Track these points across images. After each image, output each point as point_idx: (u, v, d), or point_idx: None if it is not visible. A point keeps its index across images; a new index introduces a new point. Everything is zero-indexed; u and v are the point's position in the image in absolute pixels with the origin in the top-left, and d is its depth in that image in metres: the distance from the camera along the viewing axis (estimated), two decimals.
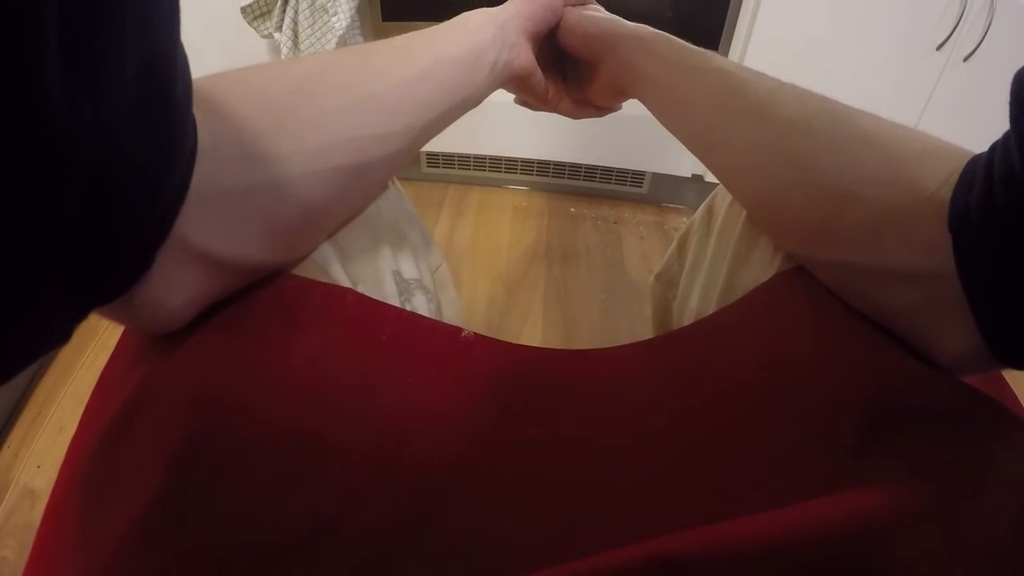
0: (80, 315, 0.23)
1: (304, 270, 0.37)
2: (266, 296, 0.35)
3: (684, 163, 1.50)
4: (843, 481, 0.29)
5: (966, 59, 1.21)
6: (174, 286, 0.29)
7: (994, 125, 0.29)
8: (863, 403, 0.32)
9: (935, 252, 0.30)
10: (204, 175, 0.27)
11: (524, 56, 0.49)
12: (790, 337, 0.38)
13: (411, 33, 0.42)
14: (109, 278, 0.24)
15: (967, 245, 0.29)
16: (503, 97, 0.58)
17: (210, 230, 0.29)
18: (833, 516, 0.26)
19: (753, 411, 0.35)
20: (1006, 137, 0.28)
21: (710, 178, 1.49)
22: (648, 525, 0.30)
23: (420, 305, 0.48)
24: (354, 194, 0.40)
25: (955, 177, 0.30)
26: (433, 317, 0.50)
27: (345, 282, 0.39)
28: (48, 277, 0.20)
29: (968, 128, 1.20)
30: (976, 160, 0.30)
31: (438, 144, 1.68)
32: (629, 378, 0.41)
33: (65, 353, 1.13)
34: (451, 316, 0.57)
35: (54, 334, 0.22)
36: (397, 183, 0.49)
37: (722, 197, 0.54)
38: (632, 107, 0.59)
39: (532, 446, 0.36)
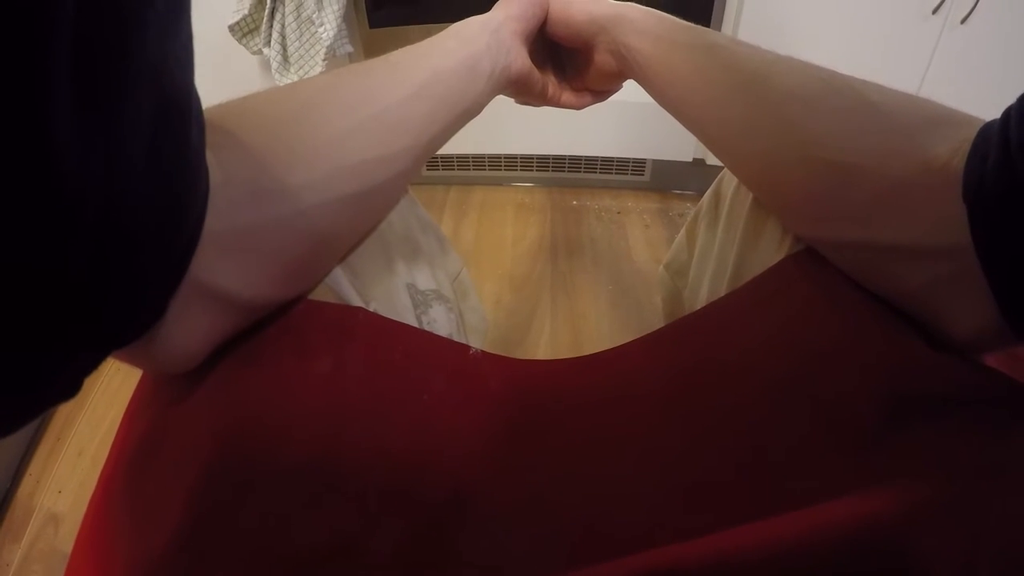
0: (91, 365, 0.23)
1: (315, 292, 0.37)
2: (277, 323, 0.34)
3: (685, 148, 1.49)
4: (860, 479, 0.28)
5: (963, 21, 1.19)
6: (187, 329, 0.29)
7: (997, 87, 0.28)
8: (878, 393, 0.31)
9: (949, 225, 0.29)
10: (216, 215, 0.26)
11: (520, 60, 0.48)
12: (801, 325, 0.37)
13: (406, 48, 0.41)
14: (122, 326, 0.24)
15: (983, 216, 0.28)
16: (500, 96, 0.57)
17: (222, 270, 0.29)
18: (844, 521, 0.25)
19: (765, 408, 0.34)
20: (1021, 101, 0.27)
21: (712, 161, 1.48)
22: (663, 535, 0.30)
23: (439, 315, 0.47)
24: (363, 218, 0.40)
25: (967, 146, 0.29)
26: (454, 326, 0.49)
27: (357, 301, 0.39)
28: (57, 327, 0.20)
29: (971, 92, 1.18)
30: (989, 127, 0.29)
31: None
32: (637, 381, 0.40)
33: None
34: (474, 323, 0.56)
35: (62, 387, 0.22)
36: (409, 191, 0.49)
37: (728, 180, 0.54)
38: (628, 94, 0.58)
39: (544, 461, 0.36)
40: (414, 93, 0.38)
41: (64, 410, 1.08)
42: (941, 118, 0.33)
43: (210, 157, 0.26)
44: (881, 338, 0.34)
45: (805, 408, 0.33)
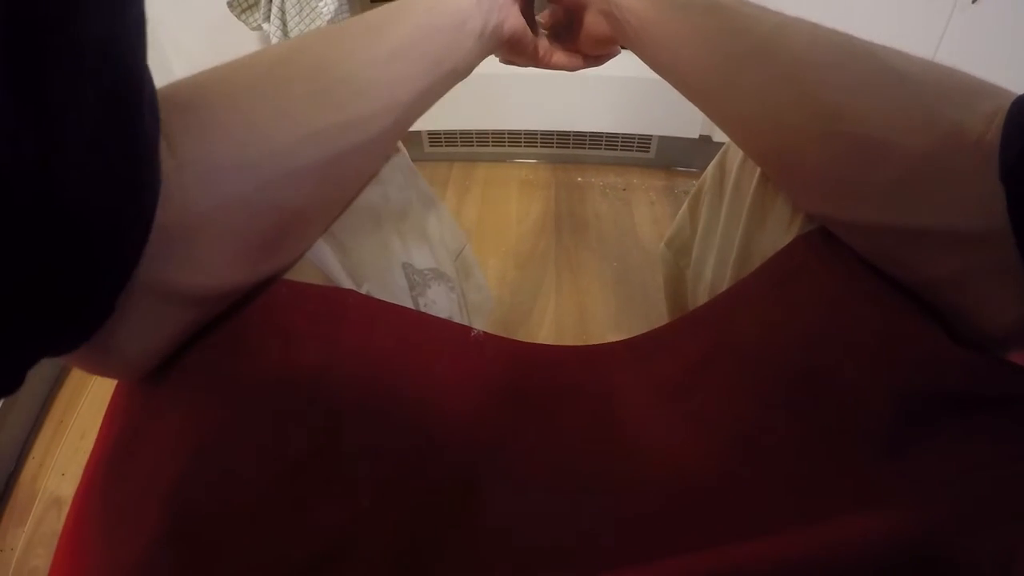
0: (31, 363, 0.21)
1: (299, 273, 0.35)
2: (259, 310, 0.32)
3: (692, 124, 1.46)
4: (881, 486, 0.27)
5: (975, 0, 1.15)
6: (141, 329, 0.27)
7: (1011, 69, 0.26)
8: (900, 393, 0.29)
9: (984, 207, 0.27)
10: (167, 203, 0.24)
11: (513, 18, 0.46)
12: (815, 315, 0.35)
13: (386, 5, 0.39)
14: (66, 327, 0.22)
15: None
16: (504, 70, 0.56)
17: (176, 262, 0.26)
18: (873, 531, 0.24)
19: (779, 406, 0.33)
20: None
21: (719, 137, 1.45)
22: (670, 532, 0.29)
23: (439, 296, 0.45)
24: (334, 188, 0.37)
25: (1000, 118, 0.27)
26: (455, 306, 0.48)
27: (347, 282, 0.37)
28: None
29: (983, 74, 1.16)
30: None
31: (440, 122, 1.65)
32: (647, 370, 0.39)
33: None
34: (478, 301, 0.55)
35: (2, 382, 0.21)
36: (410, 163, 0.46)
37: (734, 152, 0.51)
38: (633, 69, 0.56)
39: (549, 448, 0.35)
40: (390, 52, 0.36)
41: (66, 394, 1.08)
42: (970, 87, 0.30)
43: (161, 141, 0.24)
44: (903, 332, 0.32)
45: (820, 409, 0.32)
